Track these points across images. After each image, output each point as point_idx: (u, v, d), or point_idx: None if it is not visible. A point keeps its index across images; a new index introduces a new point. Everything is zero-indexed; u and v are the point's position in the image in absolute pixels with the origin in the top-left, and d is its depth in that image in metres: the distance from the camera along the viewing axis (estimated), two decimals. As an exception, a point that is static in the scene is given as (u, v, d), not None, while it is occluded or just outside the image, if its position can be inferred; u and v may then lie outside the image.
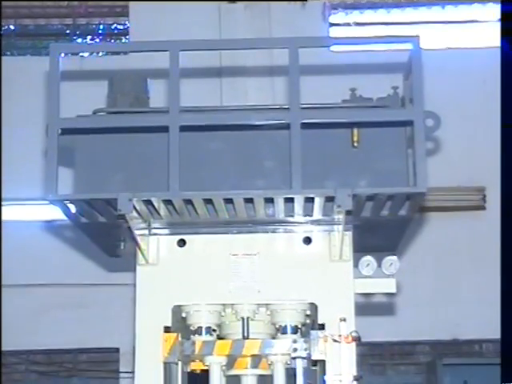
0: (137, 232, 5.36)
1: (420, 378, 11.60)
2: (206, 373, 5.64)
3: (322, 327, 5.40)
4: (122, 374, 11.37)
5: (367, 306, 5.73)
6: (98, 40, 13.06)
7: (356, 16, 12.36)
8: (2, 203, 12.04)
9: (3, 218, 11.98)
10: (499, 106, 11.80)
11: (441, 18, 12.36)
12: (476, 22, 12.48)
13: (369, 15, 12.34)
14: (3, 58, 12.64)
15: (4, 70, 12.22)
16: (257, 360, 5.61)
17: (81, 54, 11.69)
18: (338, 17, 12.34)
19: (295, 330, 5.57)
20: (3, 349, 11.33)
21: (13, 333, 11.34)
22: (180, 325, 5.63)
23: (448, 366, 10.90)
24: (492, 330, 11.52)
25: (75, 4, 12.70)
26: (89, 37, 12.83)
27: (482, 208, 11.89)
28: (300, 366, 5.51)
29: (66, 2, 12.71)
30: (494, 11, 12.28)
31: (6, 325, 11.20)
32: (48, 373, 12.02)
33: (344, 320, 5.36)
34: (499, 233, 11.54)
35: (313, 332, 5.42)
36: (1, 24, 11.46)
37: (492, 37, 12.12)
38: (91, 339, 11.70)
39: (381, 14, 12.31)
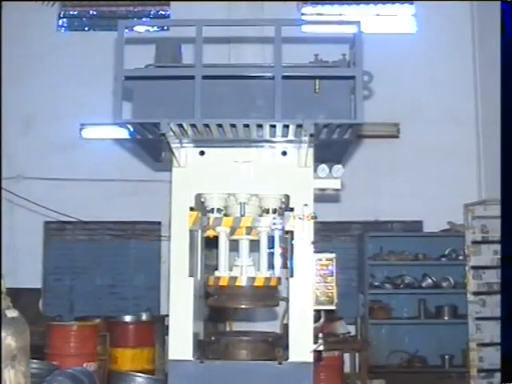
0: (173, 145, 5.24)
1: (353, 245, 11.77)
2: (216, 238, 5.60)
3: (291, 209, 5.35)
4: (162, 238, 11.53)
5: (321, 196, 5.65)
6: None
7: (319, 8, 12.39)
8: (87, 127, 12.01)
9: (89, 136, 11.98)
10: (412, 70, 11.77)
11: (374, 12, 12.37)
12: (395, 15, 12.48)
13: (327, 8, 12.38)
14: (89, 32, 12.61)
15: (89, 41, 12.26)
16: (249, 230, 5.55)
17: (138, 28, 11.72)
18: (307, 9, 12.38)
19: (275, 211, 5.49)
20: (91, 219, 11.64)
21: (93, 210, 11.56)
22: (200, 206, 5.55)
23: (371, 237, 11.11)
24: (399, 214, 11.65)
25: (135, -3, 12.77)
26: (143, 18, 12.70)
27: (397, 137, 12.02)
28: (277, 234, 5.45)
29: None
30: (409, 9, 12.35)
31: (90, 204, 11.54)
32: (115, 235, 12.10)
33: (306, 205, 5.32)
34: (407, 153, 11.73)
35: (286, 212, 5.38)
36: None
37: (406, 26, 12.35)
38: (143, 215, 11.81)
39: (335, 8, 12.37)
